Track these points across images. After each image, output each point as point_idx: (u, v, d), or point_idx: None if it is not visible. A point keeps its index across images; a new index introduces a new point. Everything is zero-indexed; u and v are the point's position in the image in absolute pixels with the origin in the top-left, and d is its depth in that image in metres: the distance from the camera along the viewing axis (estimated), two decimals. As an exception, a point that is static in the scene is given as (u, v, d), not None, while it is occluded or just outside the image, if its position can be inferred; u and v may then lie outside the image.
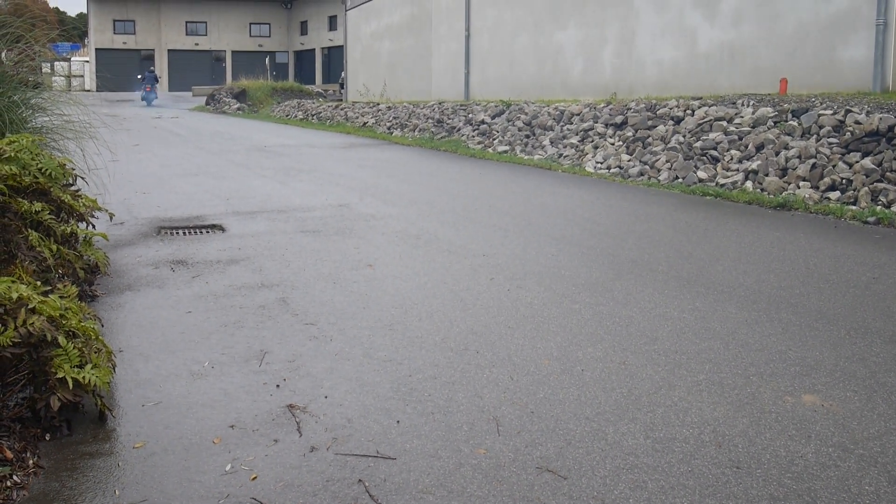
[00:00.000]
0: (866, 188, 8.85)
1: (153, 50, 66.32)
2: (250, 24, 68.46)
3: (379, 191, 10.87)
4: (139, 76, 46.59)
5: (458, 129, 18.54)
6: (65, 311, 3.68)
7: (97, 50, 64.18)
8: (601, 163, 13.03)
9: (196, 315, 5.21)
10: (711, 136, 11.40)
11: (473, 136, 17.56)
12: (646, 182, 11.55)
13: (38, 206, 5.10)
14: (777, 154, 10.19)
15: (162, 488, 3.00)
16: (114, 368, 3.90)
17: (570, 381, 4.04)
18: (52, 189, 5.37)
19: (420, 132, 20.10)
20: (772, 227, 8.16)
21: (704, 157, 11.24)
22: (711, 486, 3.00)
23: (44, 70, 10.12)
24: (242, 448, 3.31)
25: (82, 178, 6.35)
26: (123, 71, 62.09)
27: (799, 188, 9.54)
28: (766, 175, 10.08)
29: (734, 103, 12.06)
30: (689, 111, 12.43)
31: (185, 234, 7.97)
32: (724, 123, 11.46)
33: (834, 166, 9.42)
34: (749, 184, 10.20)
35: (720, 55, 14.93)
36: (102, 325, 4.86)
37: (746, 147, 10.80)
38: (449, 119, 19.40)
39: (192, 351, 4.52)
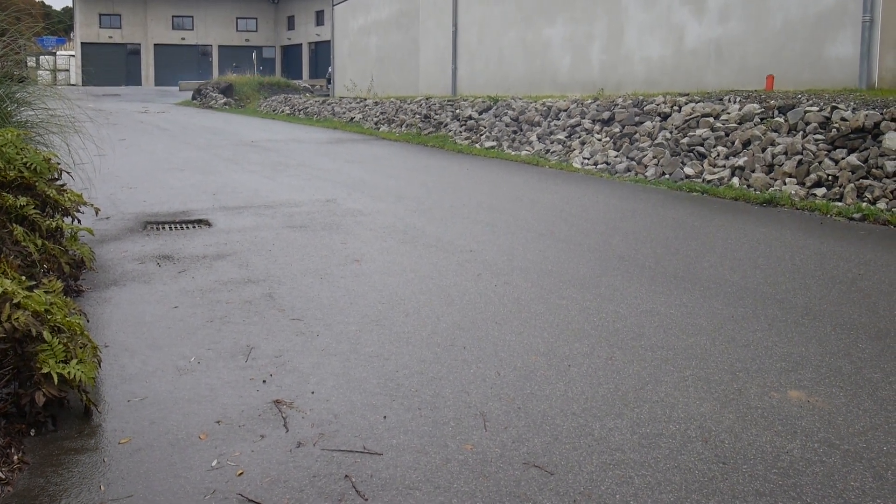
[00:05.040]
0: (852, 185, 8.89)
1: (139, 44, 66.04)
2: (237, 18, 68.26)
3: (366, 186, 10.85)
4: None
5: (446, 125, 18.53)
6: (50, 307, 3.66)
7: (83, 44, 63.84)
8: (588, 159, 13.05)
9: (182, 310, 5.19)
10: (698, 132, 11.43)
11: (461, 132, 17.54)
12: (633, 178, 11.58)
13: (22, 200, 5.07)
14: (763, 150, 10.23)
15: (148, 484, 2.99)
16: (99, 364, 3.88)
17: (556, 376, 4.05)
18: (37, 183, 5.34)
19: (407, 128, 20.07)
20: (758, 223, 8.19)
21: (691, 154, 11.27)
22: (697, 481, 3.01)
23: (29, 64, 10.05)
24: (229, 443, 3.30)
25: (68, 173, 6.32)
26: (109, 65, 61.86)
27: (785, 185, 9.58)
28: (753, 171, 10.12)
29: (721, 100, 12.09)
30: (675, 107, 12.46)
31: (171, 229, 7.93)
32: (711, 120, 11.48)
33: (820, 163, 9.46)
34: (735, 180, 10.23)
35: (707, 52, 14.97)
36: (88, 321, 4.83)
37: (733, 143, 10.84)
38: (436, 114, 19.37)
39: (178, 346, 4.50)
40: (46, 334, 3.46)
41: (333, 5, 34.78)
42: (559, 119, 14.96)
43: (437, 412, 3.61)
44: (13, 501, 2.88)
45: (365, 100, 25.59)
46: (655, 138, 12.16)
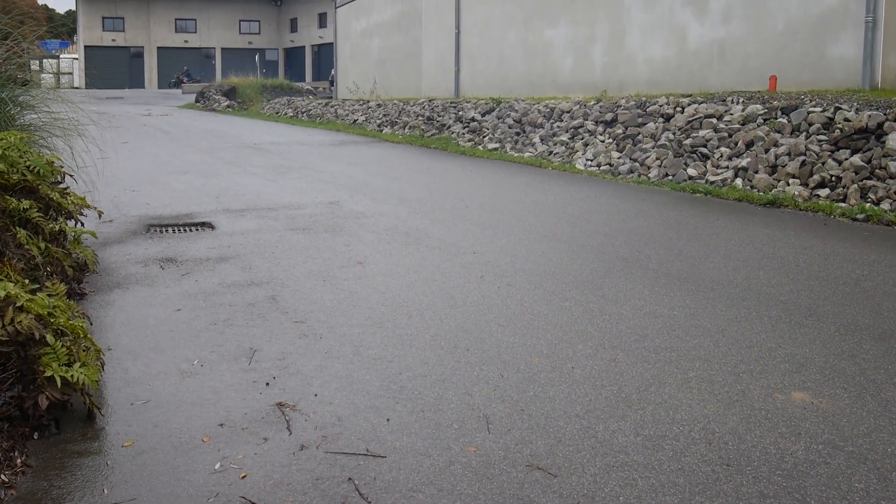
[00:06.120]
0: (855, 185, 8.87)
1: (142, 47, 66.11)
2: (240, 21, 68.31)
3: (369, 188, 10.86)
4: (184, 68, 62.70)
5: (448, 127, 18.53)
6: (53, 310, 3.66)
7: (86, 47, 63.92)
8: (591, 160, 13.04)
9: (185, 313, 5.19)
10: (701, 133, 11.42)
11: (463, 134, 17.54)
12: (636, 179, 11.57)
13: (26, 203, 5.07)
14: (767, 151, 10.22)
15: (151, 487, 2.99)
16: (102, 367, 3.88)
17: (560, 378, 4.04)
18: (40, 187, 5.35)
19: (410, 129, 20.08)
20: (761, 224, 8.18)
21: (694, 155, 11.26)
22: (701, 483, 3.01)
23: (32, 67, 10.06)
24: (232, 446, 3.30)
25: (71, 176, 6.31)
26: (112, 68, 61.92)
27: (788, 185, 9.56)
28: (756, 172, 10.11)
29: (724, 101, 12.08)
30: (678, 108, 12.45)
31: (174, 231, 7.94)
32: (714, 121, 11.48)
33: (823, 163, 9.44)
34: (739, 181, 10.22)
35: (710, 53, 14.96)
36: (91, 324, 4.83)
37: (736, 144, 10.83)
38: (439, 116, 19.37)
39: (181, 349, 4.50)
40: (49, 337, 3.46)
41: (336, 7, 34.82)
42: (562, 120, 14.96)
43: (440, 414, 3.61)
44: (16, 505, 2.88)
45: (368, 102, 25.60)
46: (658, 139, 12.15)
